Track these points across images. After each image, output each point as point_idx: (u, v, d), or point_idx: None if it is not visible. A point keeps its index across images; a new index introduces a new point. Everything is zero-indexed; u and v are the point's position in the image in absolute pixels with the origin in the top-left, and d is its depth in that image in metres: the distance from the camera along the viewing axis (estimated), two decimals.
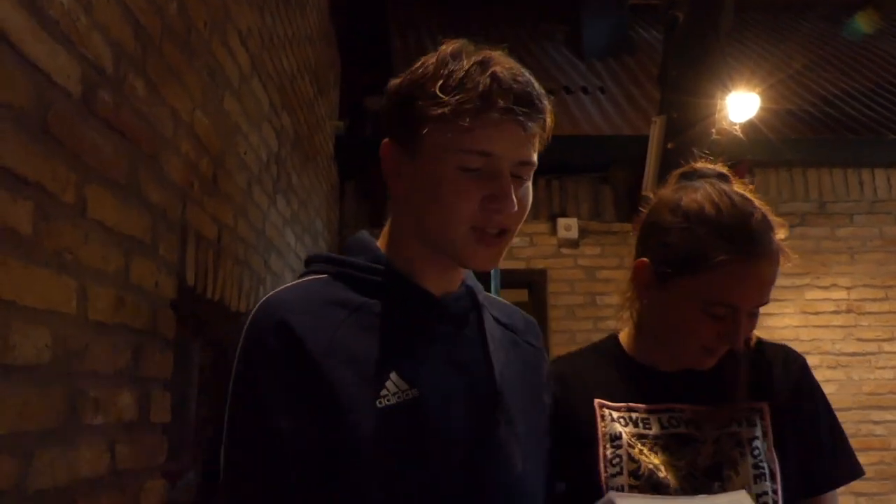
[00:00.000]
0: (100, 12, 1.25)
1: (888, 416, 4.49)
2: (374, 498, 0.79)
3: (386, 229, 0.96)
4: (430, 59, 0.87)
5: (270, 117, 2.60)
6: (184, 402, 1.87)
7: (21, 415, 1.02)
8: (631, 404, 1.08)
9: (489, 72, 0.84)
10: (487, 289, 1.01)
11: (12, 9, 0.99)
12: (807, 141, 4.86)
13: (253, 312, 0.84)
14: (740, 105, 3.93)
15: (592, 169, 4.78)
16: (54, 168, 1.11)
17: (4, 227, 0.99)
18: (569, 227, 4.72)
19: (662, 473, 1.02)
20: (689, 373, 1.08)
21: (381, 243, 0.95)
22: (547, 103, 0.87)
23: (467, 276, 0.98)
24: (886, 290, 4.69)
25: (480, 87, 0.82)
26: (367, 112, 4.71)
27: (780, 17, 7.40)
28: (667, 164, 4.09)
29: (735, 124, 3.88)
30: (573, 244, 4.73)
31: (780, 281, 1.03)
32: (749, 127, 3.95)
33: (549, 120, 0.88)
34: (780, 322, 4.51)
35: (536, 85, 0.87)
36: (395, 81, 0.91)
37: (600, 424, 1.07)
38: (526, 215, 0.89)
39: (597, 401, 1.09)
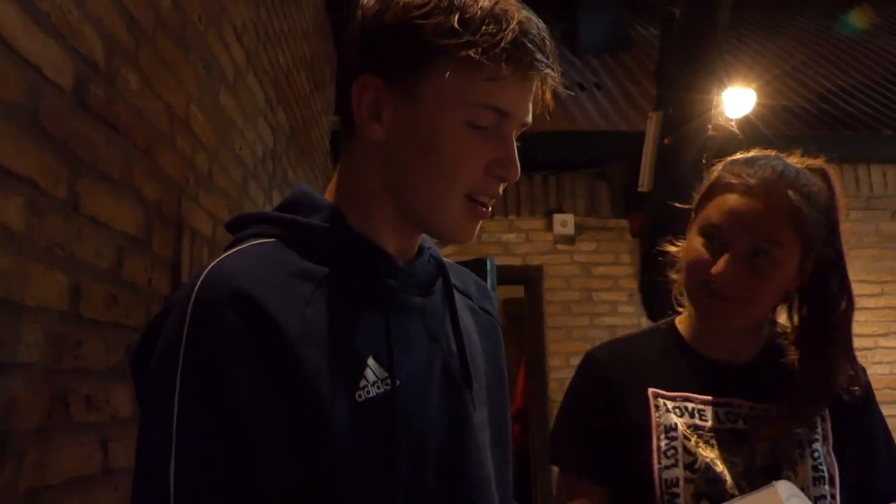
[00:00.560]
0: (92, 5, 1.23)
1: (885, 410, 4.48)
2: (351, 500, 0.69)
3: (335, 183, 0.81)
4: None
5: (266, 112, 2.58)
6: None
7: (12, 412, 1.01)
8: (687, 394, 1.05)
9: (516, 18, 0.71)
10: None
11: (2, 2, 0.98)
12: (803, 137, 4.85)
13: (198, 285, 0.67)
14: (736, 101, 3.93)
15: (588, 165, 4.78)
16: (46, 163, 1.09)
17: None
18: (565, 223, 4.72)
19: (719, 468, 0.99)
20: (750, 366, 1.06)
21: (330, 199, 0.80)
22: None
23: (424, 238, 0.84)
24: (882, 285, 4.70)
25: (510, 34, 0.70)
26: None
27: (777, 13, 7.40)
28: (663, 160, 4.10)
29: (731, 120, 3.88)
30: (569, 240, 4.73)
31: None
32: (745, 123, 3.94)
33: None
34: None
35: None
36: (373, 3, 0.75)
37: (654, 415, 1.03)
38: None
39: (651, 390, 1.05)
